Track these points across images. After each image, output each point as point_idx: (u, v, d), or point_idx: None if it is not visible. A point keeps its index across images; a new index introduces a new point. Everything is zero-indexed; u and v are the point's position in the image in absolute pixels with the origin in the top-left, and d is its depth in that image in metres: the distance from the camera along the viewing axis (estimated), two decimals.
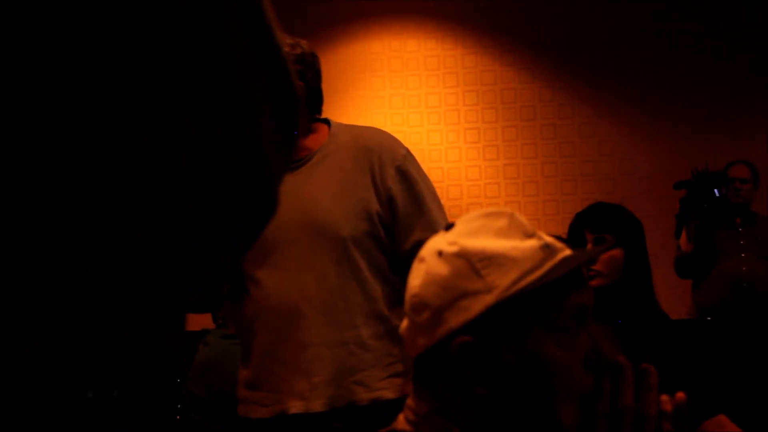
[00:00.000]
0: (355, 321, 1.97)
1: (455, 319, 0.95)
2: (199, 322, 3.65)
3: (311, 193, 1.99)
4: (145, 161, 0.46)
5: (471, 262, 0.96)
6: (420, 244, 2.06)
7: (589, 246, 2.14)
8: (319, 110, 2.10)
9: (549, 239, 1.00)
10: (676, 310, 4.51)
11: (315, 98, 2.07)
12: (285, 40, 0.47)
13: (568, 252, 1.00)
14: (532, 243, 0.98)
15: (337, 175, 2.02)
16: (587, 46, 5.60)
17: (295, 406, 1.94)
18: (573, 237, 2.22)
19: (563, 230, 2.35)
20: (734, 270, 4.46)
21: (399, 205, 2.01)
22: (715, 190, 4.29)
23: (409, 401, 1.03)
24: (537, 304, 0.95)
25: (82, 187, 0.45)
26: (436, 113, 5.64)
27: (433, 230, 2.06)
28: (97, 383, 0.50)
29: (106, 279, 0.48)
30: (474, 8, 5.68)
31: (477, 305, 0.95)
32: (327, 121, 2.11)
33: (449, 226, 1.03)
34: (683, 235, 4.45)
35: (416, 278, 1.01)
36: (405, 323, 1.03)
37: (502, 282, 0.94)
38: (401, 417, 1.04)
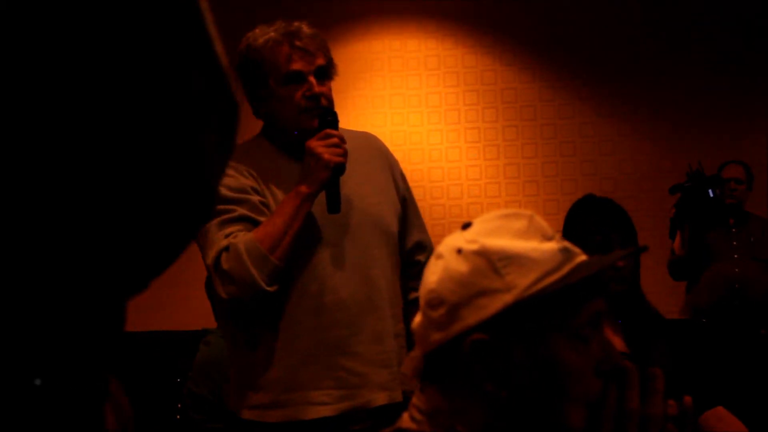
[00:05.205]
0: (400, 314, 2.03)
1: (471, 317, 0.95)
2: (199, 321, 3.64)
3: (354, 187, 1.98)
4: (94, 165, 0.48)
5: (491, 261, 0.95)
6: (419, 244, 2.11)
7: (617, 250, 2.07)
8: None
9: (567, 243, 1.00)
10: (673, 310, 4.53)
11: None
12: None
13: (584, 257, 1.00)
14: (551, 245, 0.97)
15: (370, 173, 2.05)
16: (587, 46, 5.60)
17: (380, 398, 1.93)
18: (573, 231, 2.10)
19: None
20: (727, 271, 4.46)
21: (409, 206, 2.10)
22: (710, 191, 4.29)
23: (415, 399, 1.03)
24: (555, 308, 0.95)
25: (62, 186, 0.47)
26: (436, 113, 5.63)
27: (425, 233, 2.13)
28: (47, 372, 0.51)
29: (70, 273, 0.49)
30: (474, 8, 5.67)
31: (495, 304, 0.94)
32: None
33: (467, 225, 1.02)
34: (677, 239, 4.46)
35: (433, 274, 1.00)
36: (418, 318, 1.03)
37: (522, 282, 0.94)
38: (405, 415, 1.04)
